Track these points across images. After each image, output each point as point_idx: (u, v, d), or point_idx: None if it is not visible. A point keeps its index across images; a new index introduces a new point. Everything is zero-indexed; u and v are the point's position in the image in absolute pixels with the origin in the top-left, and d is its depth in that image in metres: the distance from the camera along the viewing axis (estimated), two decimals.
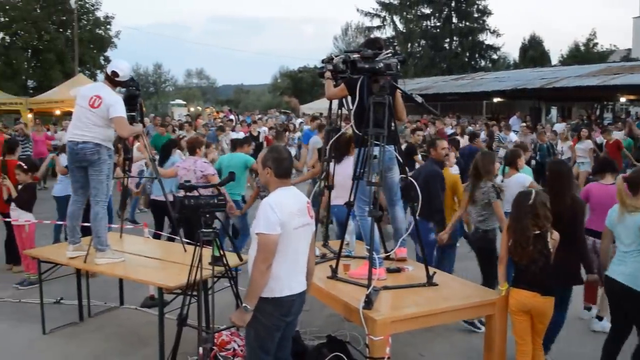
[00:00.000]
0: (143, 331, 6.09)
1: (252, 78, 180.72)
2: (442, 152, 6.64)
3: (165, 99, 48.97)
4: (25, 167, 7.66)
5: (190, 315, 4.60)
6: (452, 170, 7.27)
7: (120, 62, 5.69)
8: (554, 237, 4.37)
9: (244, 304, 3.58)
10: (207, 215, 4.06)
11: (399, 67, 4.33)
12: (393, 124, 4.71)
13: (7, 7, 37.87)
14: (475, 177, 5.82)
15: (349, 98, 5.07)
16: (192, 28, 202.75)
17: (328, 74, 5.30)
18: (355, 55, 4.37)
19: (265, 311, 3.63)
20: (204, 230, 4.12)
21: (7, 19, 37.83)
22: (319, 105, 29.53)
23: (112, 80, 5.56)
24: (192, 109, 36.24)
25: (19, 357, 5.54)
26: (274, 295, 3.64)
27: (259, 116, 24.29)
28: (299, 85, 44.71)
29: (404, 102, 4.97)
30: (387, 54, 4.33)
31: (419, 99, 4.61)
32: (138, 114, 6.05)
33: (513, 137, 15.47)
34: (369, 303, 4.07)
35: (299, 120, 23.49)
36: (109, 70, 5.61)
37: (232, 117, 23.09)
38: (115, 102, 5.40)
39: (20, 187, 7.69)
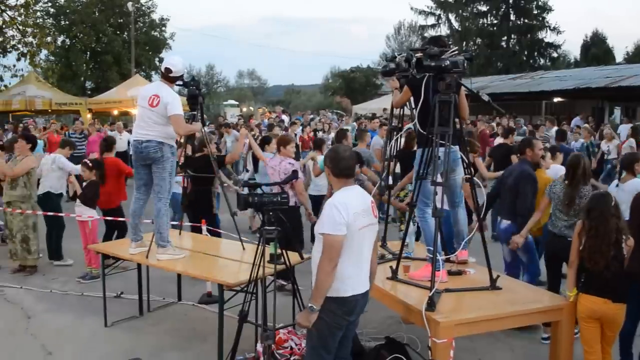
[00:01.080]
0: (200, 327, 6.17)
1: (303, 78, 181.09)
2: (539, 153, 6.28)
3: (218, 100, 49.62)
4: (90, 164, 7.87)
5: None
6: (548, 173, 6.75)
7: (172, 57, 5.79)
8: (629, 244, 4.22)
9: (309, 304, 3.58)
10: (270, 213, 4.08)
11: (466, 64, 4.25)
12: (458, 123, 4.64)
13: (68, 10, 39.07)
14: (577, 180, 5.30)
15: (411, 98, 5.01)
16: (243, 29, 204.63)
17: (395, 84, 5.22)
18: (419, 54, 4.32)
19: (329, 310, 3.62)
20: (267, 227, 4.13)
21: (67, 23, 39.03)
22: (372, 106, 29.49)
23: (167, 77, 5.65)
24: (244, 109, 36.61)
25: (84, 348, 5.68)
26: (339, 295, 3.63)
27: (312, 116, 24.31)
28: (351, 85, 44.48)
29: (470, 100, 4.89)
30: (454, 51, 4.26)
31: (486, 97, 4.53)
32: (198, 112, 6.13)
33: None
34: (431, 305, 4.02)
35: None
36: (162, 67, 5.75)
37: (284, 117, 23.19)
38: (172, 100, 5.48)
39: (84, 184, 7.90)
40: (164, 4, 68.40)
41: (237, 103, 39.20)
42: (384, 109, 25.17)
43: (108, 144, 8.51)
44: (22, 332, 6.08)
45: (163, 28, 42.50)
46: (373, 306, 5.86)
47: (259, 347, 4.96)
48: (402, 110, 5.55)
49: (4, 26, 20.60)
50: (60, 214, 8.31)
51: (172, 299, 6.92)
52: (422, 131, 4.64)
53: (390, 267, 4.80)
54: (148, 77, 34.78)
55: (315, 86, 67.75)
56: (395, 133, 5.44)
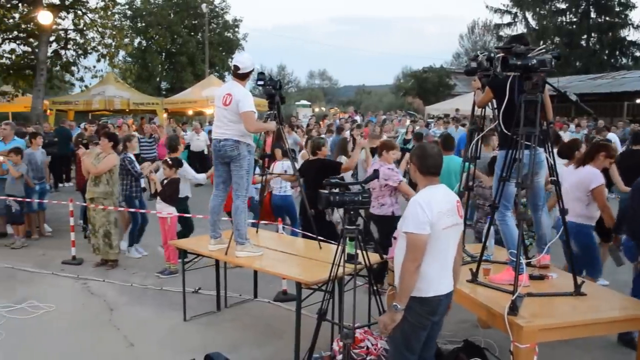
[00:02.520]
0: (276, 324, 6.25)
1: (374, 79, 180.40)
2: None
3: (289, 100, 50.23)
4: (170, 163, 8.10)
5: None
6: None
7: (240, 54, 5.88)
8: None
9: (393, 303, 3.56)
10: (352, 212, 4.08)
11: (553, 63, 4.12)
12: (545, 124, 4.50)
13: (144, 12, 40.40)
14: None
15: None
16: (314, 29, 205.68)
17: (477, 84, 5.12)
18: (501, 54, 4.22)
19: (413, 310, 3.60)
20: (348, 227, 4.14)
21: (143, 24, 40.37)
22: (445, 107, 29.09)
23: (237, 74, 5.73)
24: (316, 110, 36.82)
25: (164, 340, 5.85)
26: (421, 295, 3.60)
27: (384, 117, 24.22)
28: (424, 85, 44.02)
29: (555, 101, 4.75)
30: (541, 49, 4.14)
31: (573, 97, 4.38)
32: (275, 111, 6.17)
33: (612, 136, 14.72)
34: (514, 309, 3.92)
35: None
36: (232, 65, 5.83)
37: (357, 117, 23.18)
38: (243, 97, 5.55)
39: (164, 182, 8.13)
40: (237, 5, 70.05)
41: (309, 103, 39.45)
42: (457, 110, 24.80)
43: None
44: (106, 323, 6.32)
45: (236, 29, 43.40)
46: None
47: (335, 346, 4.96)
48: (483, 110, 5.43)
49: (84, 28, 21.42)
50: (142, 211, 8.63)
51: (248, 296, 7.03)
52: (506, 132, 4.53)
53: (470, 269, 4.72)
54: (221, 78, 35.54)
55: (386, 86, 67.39)
56: (476, 134, 5.33)
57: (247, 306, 6.85)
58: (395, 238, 5.34)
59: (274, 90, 6.10)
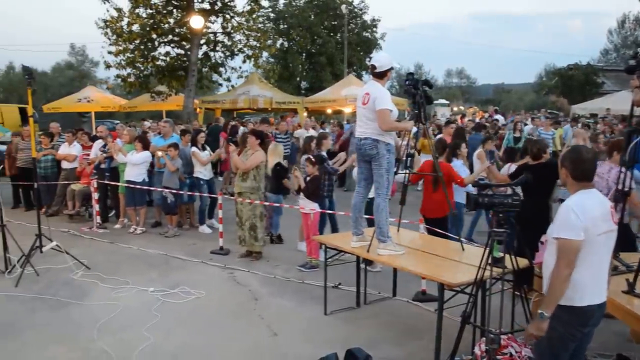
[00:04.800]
0: (415, 324, 6.24)
1: (514, 77, 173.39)
2: None
3: None
4: (313, 160, 8.32)
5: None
6: None
7: (378, 53, 5.87)
8: None
9: (540, 311, 3.44)
10: (500, 215, 3.99)
11: None
12: None
13: (286, 15, 41.69)
14: None
15: None
16: (453, 27, 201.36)
17: (636, 82, 4.79)
18: None
19: (562, 319, 3.46)
20: (496, 229, 4.05)
21: (285, 26, 41.68)
22: (593, 106, 27.44)
23: (375, 73, 5.76)
24: (454, 109, 36.16)
25: (305, 332, 6.03)
26: (573, 304, 3.45)
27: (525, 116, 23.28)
28: (569, 83, 41.74)
29: None
30: None
31: None
32: (413, 110, 6.08)
33: None
34: None
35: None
36: (370, 65, 5.87)
37: (498, 117, 22.45)
38: (379, 96, 5.57)
39: (307, 179, 8.37)
40: (376, 4, 70.16)
41: (447, 102, 38.79)
42: (607, 109, 23.30)
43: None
44: (251, 312, 6.63)
45: (374, 28, 43.55)
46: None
47: (477, 350, 4.87)
48: None
49: (232, 31, 22.47)
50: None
51: (387, 294, 7.07)
52: None
53: (627, 279, 4.43)
54: (359, 77, 35.84)
55: (527, 85, 64.72)
56: (636, 135, 4.97)
57: (386, 304, 6.89)
58: (542, 243, 5.14)
59: (413, 90, 6.03)
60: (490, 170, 7.82)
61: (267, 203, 8.97)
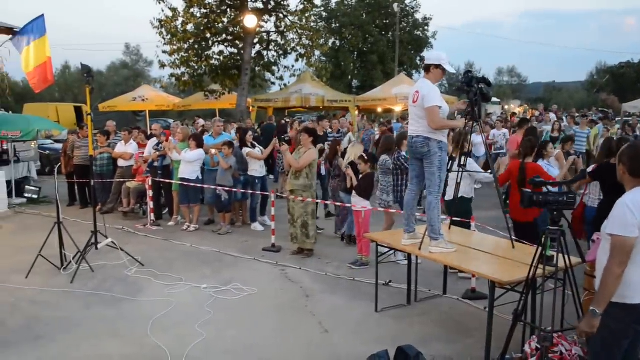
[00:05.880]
0: (466, 321, 6.21)
1: (565, 75, 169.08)
2: None
3: None
4: (366, 158, 8.36)
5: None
6: None
7: (430, 51, 5.81)
8: None
9: (592, 308, 3.40)
10: (555, 213, 3.95)
11: None
12: None
13: (338, 14, 41.80)
14: None
15: None
16: (505, 25, 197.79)
17: None
18: None
19: (614, 316, 3.42)
20: (550, 227, 4.01)
21: (337, 25, 41.80)
22: None
23: (425, 69, 5.78)
24: (505, 107, 35.56)
25: (357, 329, 6.06)
26: (626, 302, 3.41)
27: (577, 115, 22.71)
28: (620, 81, 40.54)
29: None
30: None
31: None
32: (467, 108, 5.98)
33: None
34: None
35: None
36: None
37: (551, 115, 22.01)
38: (428, 92, 5.55)
39: (360, 176, 8.41)
40: (428, 3, 69.72)
41: (498, 100, 38.13)
42: None
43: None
44: (302, 309, 6.71)
45: (426, 27, 43.27)
46: None
47: (527, 348, 4.82)
48: None
49: (285, 30, 22.64)
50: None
51: (437, 292, 7.05)
52: None
53: None
54: (409, 76, 35.64)
55: (578, 83, 63.06)
56: None
57: (436, 302, 6.87)
58: (593, 241, 5.05)
59: (466, 87, 5.98)
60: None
61: (319, 201, 9.02)
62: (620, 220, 3.36)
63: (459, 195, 7.13)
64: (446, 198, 7.38)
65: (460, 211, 7.24)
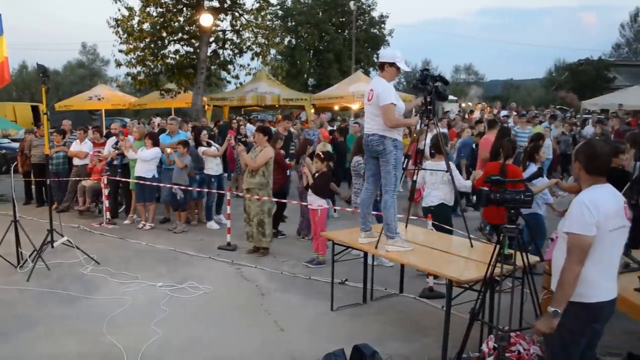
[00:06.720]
0: (422, 320, 6.22)
1: (523, 72, 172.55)
2: None
3: None
4: (322, 156, 8.32)
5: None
6: None
7: (384, 49, 5.82)
8: None
9: (552, 309, 3.41)
10: (512, 211, 3.96)
11: None
12: None
13: (294, 12, 41.72)
14: None
15: None
16: (463, 22, 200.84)
17: None
18: None
19: (572, 315, 3.43)
20: (507, 226, 4.02)
21: (293, 24, 41.71)
22: (603, 101, 27.25)
23: (380, 67, 5.76)
24: (462, 105, 35.94)
25: (312, 328, 6.03)
26: (583, 301, 3.43)
27: (535, 112, 23.13)
28: (579, 78, 41.38)
29: None
30: None
31: None
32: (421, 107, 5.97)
33: None
34: None
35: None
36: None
37: (504, 112, 22.39)
38: (382, 91, 5.54)
39: (316, 175, 8.37)
40: (384, 1, 69.94)
41: (455, 98, 38.44)
42: (620, 105, 23.17)
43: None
44: (258, 307, 6.65)
45: (382, 25, 43.52)
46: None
47: (484, 348, 4.85)
48: None
49: (240, 29, 22.49)
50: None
51: (393, 291, 7.06)
52: None
53: (639, 277, 4.40)
54: (366, 74, 35.81)
55: (536, 80, 64.14)
56: None
57: (393, 301, 6.88)
58: (552, 239, 5.12)
59: (421, 85, 5.97)
60: (559, 185, 7.49)
61: (275, 199, 8.96)
62: (578, 219, 3.37)
63: (439, 202, 7.12)
64: (424, 204, 7.38)
65: (440, 218, 7.21)
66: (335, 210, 8.92)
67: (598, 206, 3.36)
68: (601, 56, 46.18)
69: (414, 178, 6.45)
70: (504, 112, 22.71)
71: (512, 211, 3.96)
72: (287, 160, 10.23)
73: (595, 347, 3.77)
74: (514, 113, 21.06)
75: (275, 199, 9.04)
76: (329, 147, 9.32)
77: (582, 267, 3.34)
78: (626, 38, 60.05)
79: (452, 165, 7.09)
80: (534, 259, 4.88)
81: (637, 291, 4.34)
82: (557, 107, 32.58)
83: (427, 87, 5.87)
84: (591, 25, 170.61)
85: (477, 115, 21.95)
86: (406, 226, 6.66)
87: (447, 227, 7.09)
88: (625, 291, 4.28)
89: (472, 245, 5.75)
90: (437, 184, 7.37)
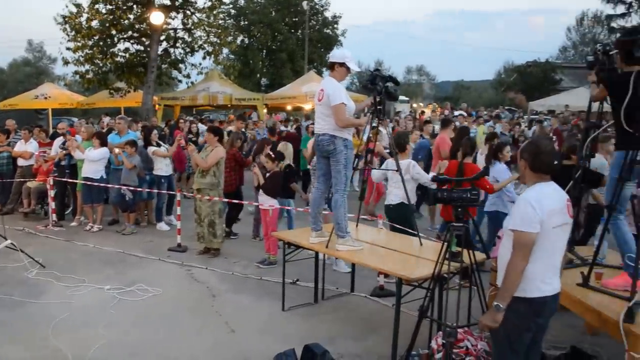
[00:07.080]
0: (373, 319, 6.26)
1: (473, 74, 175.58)
2: None
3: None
4: (273, 156, 8.28)
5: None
6: None
7: (335, 50, 5.84)
8: None
9: (495, 303, 3.47)
10: (459, 210, 4.02)
11: None
12: None
13: (247, 11, 41.50)
14: None
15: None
16: (414, 24, 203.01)
17: (592, 78, 4.86)
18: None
19: (516, 310, 3.48)
20: (455, 224, 4.07)
21: (246, 23, 41.48)
22: (550, 102, 28.00)
23: (332, 68, 5.77)
24: (414, 105, 36.39)
25: (264, 329, 5.99)
26: (526, 296, 3.49)
27: (485, 113, 23.61)
28: (527, 80, 42.43)
29: None
30: None
31: None
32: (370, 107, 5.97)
33: None
34: (630, 316, 3.72)
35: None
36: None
37: (458, 112, 22.77)
38: (333, 91, 5.55)
39: (267, 175, 8.32)
40: (337, 1, 70.21)
41: (407, 99, 38.86)
42: (566, 106, 23.81)
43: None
44: (208, 309, 6.57)
45: (335, 25, 43.64)
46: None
47: (433, 344, 4.91)
48: (601, 105, 5.10)
49: (192, 27, 22.22)
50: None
51: (345, 290, 7.08)
52: (629, 130, 4.27)
53: (582, 272, 4.53)
54: (319, 74, 35.85)
55: (486, 82, 65.51)
56: (593, 131, 5.03)
57: (344, 300, 6.90)
58: (499, 237, 5.21)
59: (370, 85, 5.96)
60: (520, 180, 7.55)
61: (225, 200, 8.88)
62: (522, 216, 3.43)
63: (398, 201, 7.08)
64: (386, 202, 7.39)
65: (399, 216, 7.04)
66: (288, 210, 8.85)
67: (542, 204, 3.42)
68: (548, 58, 47.41)
69: (364, 178, 6.47)
70: (457, 113, 23.09)
71: (460, 209, 4.02)
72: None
73: (541, 342, 3.85)
74: (465, 114, 21.45)
75: (227, 200, 8.97)
76: (290, 148, 9.25)
77: (526, 263, 3.40)
78: (572, 41, 61.97)
79: (414, 163, 7.19)
80: (481, 256, 4.97)
81: (579, 286, 4.46)
82: (507, 107, 33.31)
83: (376, 87, 5.88)
84: (539, 28, 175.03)
85: (428, 114, 22.25)
86: (357, 225, 6.69)
87: (400, 226, 7.05)
88: (568, 287, 4.40)
89: (421, 244, 5.81)
90: (399, 182, 7.36)
